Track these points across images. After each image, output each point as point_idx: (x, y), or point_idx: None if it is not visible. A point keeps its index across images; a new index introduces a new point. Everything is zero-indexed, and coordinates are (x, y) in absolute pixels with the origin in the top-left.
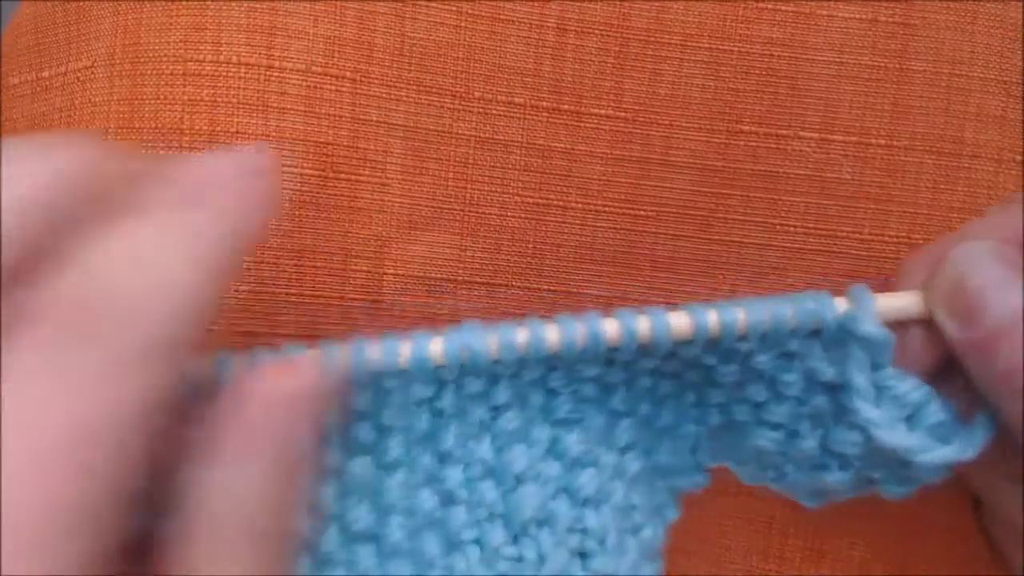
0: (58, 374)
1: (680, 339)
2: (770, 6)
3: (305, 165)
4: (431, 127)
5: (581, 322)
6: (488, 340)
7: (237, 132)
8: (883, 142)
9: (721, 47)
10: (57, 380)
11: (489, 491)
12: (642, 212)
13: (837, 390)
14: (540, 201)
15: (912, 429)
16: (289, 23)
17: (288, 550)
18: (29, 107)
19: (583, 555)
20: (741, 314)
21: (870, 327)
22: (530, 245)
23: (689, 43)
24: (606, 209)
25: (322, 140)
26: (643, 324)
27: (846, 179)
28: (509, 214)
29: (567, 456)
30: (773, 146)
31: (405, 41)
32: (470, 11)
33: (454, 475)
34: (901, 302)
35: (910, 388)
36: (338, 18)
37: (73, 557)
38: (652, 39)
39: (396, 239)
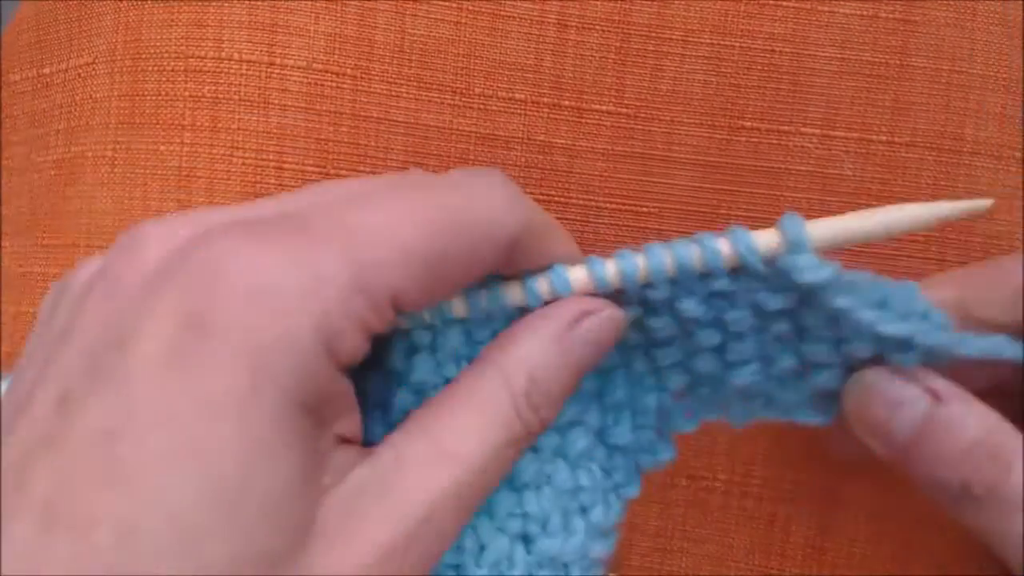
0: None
1: (584, 293)
2: (772, 2)
3: (306, 162)
4: (431, 123)
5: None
6: None
7: (238, 128)
8: (884, 138)
9: (723, 43)
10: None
11: None
12: (644, 208)
13: (792, 312)
14: (540, 197)
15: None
16: (290, 20)
17: (530, 437)
18: (30, 103)
19: (526, 539)
20: (640, 261)
21: (814, 272)
22: None
23: (691, 39)
24: (608, 206)
25: (323, 137)
26: (542, 285)
27: (847, 175)
28: None
29: None
30: (775, 142)
31: (405, 38)
32: (470, 8)
33: None
34: (842, 225)
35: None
36: (339, 15)
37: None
38: (653, 35)
39: None
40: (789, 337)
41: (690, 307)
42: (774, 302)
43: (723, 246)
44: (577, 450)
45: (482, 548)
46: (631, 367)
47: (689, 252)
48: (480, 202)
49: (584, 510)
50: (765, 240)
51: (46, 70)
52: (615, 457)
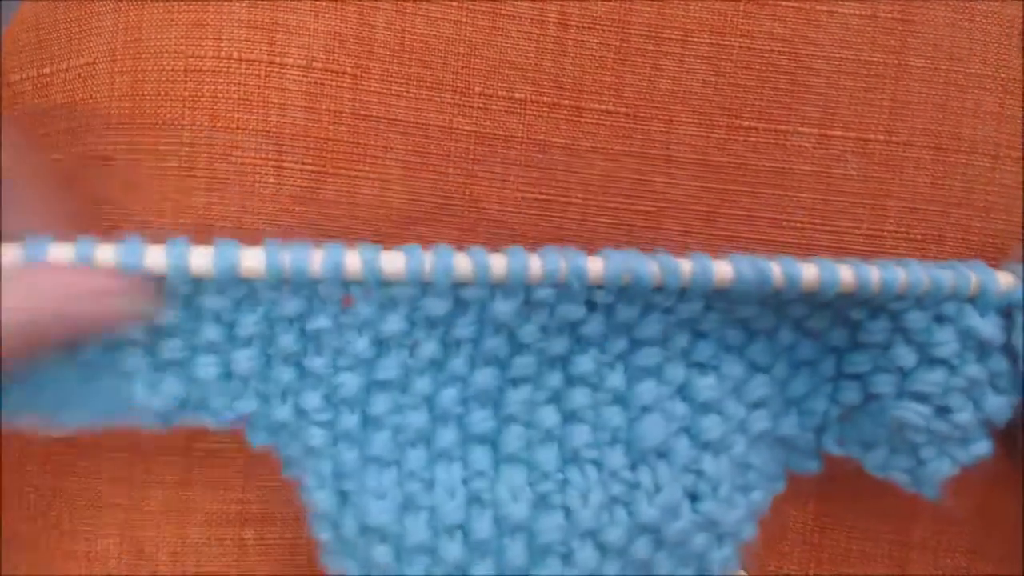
0: None
1: (843, 291)
2: (771, 2)
3: (305, 160)
4: (432, 123)
5: (748, 263)
6: (651, 267)
7: (238, 128)
8: (882, 138)
9: (721, 42)
10: None
11: (615, 417)
12: (643, 208)
13: (990, 355)
14: (540, 197)
15: None
16: (290, 19)
17: None
18: (30, 104)
19: (694, 497)
20: (902, 274)
21: None
22: (530, 241)
23: (690, 38)
24: (608, 205)
25: (322, 136)
26: (810, 272)
27: (847, 174)
28: (509, 210)
29: (696, 400)
30: (773, 142)
31: (406, 37)
32: (470, 6)
33: (581, 396)
34: None
35: None
36: (338, 14)
37: None
38: (653, 34)
39: (396, 235)
40: (976, 387)
41: (917, 319)
42: (985, 330)
43: (972, 276)
44: (756, 430)
45: (657, 489)
46: (818, 367)
47: (943, 276)
48: None
49: (747, 490)
50: (1004, 278)
51: (46, 70)
52: (775, 448)
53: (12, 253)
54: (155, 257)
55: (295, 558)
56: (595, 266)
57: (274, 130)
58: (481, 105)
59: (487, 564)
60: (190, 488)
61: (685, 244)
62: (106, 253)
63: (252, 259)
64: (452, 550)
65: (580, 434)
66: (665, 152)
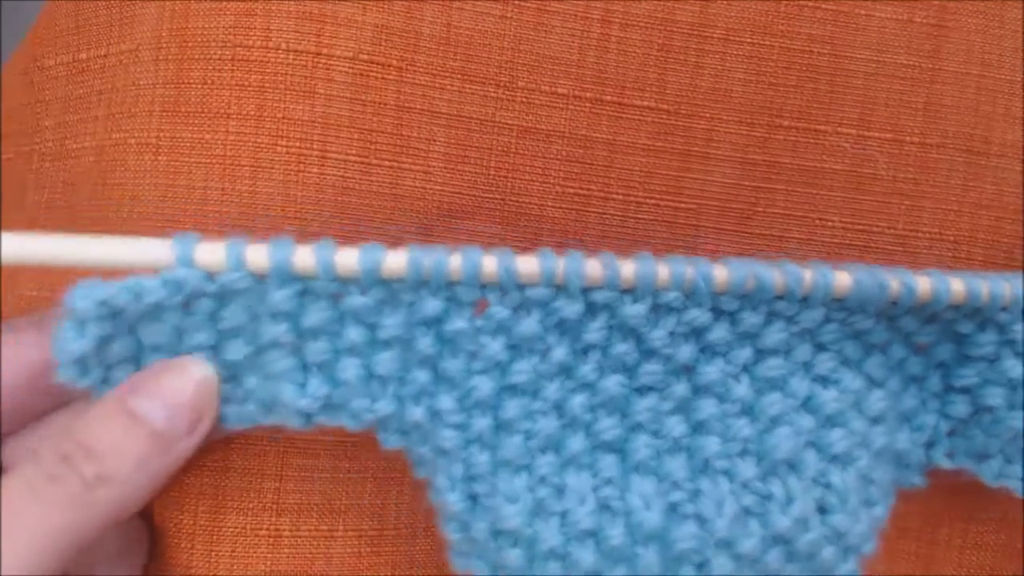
0: None
1: (953, 302)
2: (811, 4)
3: (349, 152)
4: (474, 116)
5: (867, 273)
6: (775, 273)
7: (284, 118)
8: (917, 140)
9: (763, 43)
10: None
11: (744, 428)
12: (683, 205)
13: None
14: (581, 192)
15: None
16: (338, 11)
17: None
18: (63, 89)
19: (823, 510)
20: (1007, 287)
21: None
22: (570, 236)
23: (732, 37)
24: (648, 201)
25: (367, 127)
26: (923, 284)
27: (880, 175)
28: (549, 204)
29: (821, 412)
30: (812, 141)
31: (451, 30)
32: (516, 2)
33: (708, 407)
34: None
35: None
36: (386, 7)
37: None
38: (695, 33)
39: (437, 227)
40: None
41: (1022, 331)
42: None
43: None
44: (877, 445)
45: (790, 500)
46: (925, 382)
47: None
48: None
49: (870, 504)
50: None
51: (83, 55)
52: (890, 464)
53: (164, 251)
54: (303, 257)
55: (330, 550)
56: (720, 272)
57: (319, 120)
58: (524, 100)
59: (620, 571)
60: (228, 475)
61: (720, 242)
62: (257, 253)
63: (395, 260)
64: (585, 556)
65: (710, 444)
66: (705, 149)
